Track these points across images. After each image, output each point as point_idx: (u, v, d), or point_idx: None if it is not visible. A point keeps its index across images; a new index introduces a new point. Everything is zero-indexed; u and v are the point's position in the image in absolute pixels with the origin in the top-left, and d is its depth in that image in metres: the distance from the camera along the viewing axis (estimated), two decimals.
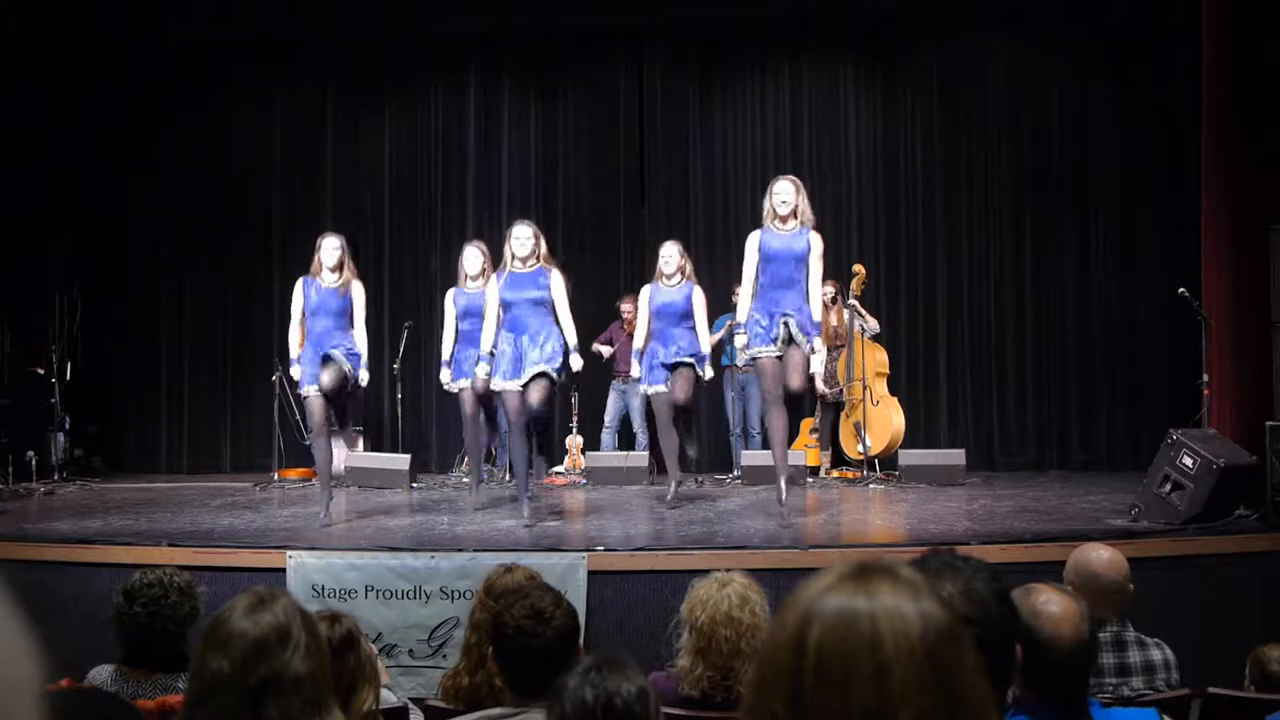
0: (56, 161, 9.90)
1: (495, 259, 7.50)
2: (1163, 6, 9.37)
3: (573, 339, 6.60)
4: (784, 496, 6.42)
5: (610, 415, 9.55)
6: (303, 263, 10.57)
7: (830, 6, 10.51)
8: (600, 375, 9.63)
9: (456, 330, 7.71)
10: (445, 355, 7.70)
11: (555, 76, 10.80)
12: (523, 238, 6.71)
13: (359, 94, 10.92)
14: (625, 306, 9.50)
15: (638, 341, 7.39)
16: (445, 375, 7.69)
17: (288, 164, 10.93)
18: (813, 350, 6.24)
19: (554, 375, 6.45)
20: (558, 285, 6.63)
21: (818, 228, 6.48)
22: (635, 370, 7.54)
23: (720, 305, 9.60)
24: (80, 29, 9.83)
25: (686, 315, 7.28)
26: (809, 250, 6.29)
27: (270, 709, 1.86)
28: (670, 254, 7.39)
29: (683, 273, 7.38)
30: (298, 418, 9.44)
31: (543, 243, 6.81)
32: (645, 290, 7.43)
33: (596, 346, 9.40)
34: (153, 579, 3.13)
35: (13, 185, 9.29)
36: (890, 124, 10.41)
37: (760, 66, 10.63)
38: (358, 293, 6.99)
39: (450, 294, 7.80)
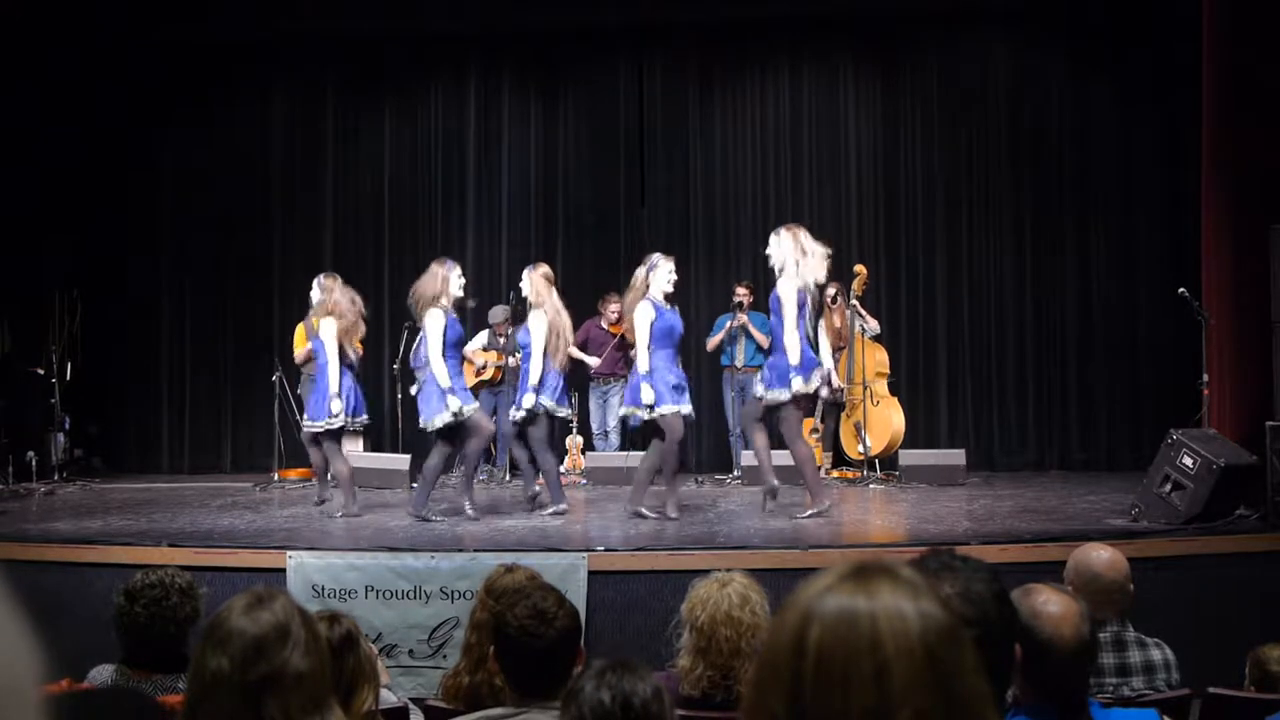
0: (56, 161, 9.90)
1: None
2: (1163, 6, 9.37)
3: (532, 379, 7.00)
4: (809, 512, 6.73)
5: (597, 423, 9.51)
6: (302, 263, 10.65)
7: (830, 6, 10.50)
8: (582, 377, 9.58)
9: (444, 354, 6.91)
10: (446, 382, 6.86)
11: (555, 76, 10.80)
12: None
13: (359, 94, 10.92)
14: (612, 307, 9.39)
15: (641, 365, 6.75)
16: (455, 403, 6.83)
17: (288, 164, 10.93)
18: (800, 395, 6.61)
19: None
20: (534, 328, 7.04)
21: (822, 235, 6.80)
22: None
23: (720, 306, 9.61)
24: (80, 29, 9.83)
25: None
26: (775, 302, 6.70)
27: (270, 707, 1.86)
28: (673, 272, 6.91)
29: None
30: (298, 418, 9.45)
31: (527, 283, 7.24)
32: (646, 308, 6.77)
33: (576, 354, 9.06)
34: (154, 579, 3.13)
35: (13, 185, 9.28)
36: (890, 124, 10.41)
37: (760, 67, 10.63)
38: (322, 330, 7.20)
39: (445, 318, 6.88)
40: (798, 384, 6.56)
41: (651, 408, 6.67)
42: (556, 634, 2.54)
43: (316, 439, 7.28)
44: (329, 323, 7.14)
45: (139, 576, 3.17)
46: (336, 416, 7.11)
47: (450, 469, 7.63)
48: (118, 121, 10.53)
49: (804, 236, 6.72)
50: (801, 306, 6.66)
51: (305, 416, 7.47)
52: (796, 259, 6.63)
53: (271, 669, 1.87)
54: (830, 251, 6.81)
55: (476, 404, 7.16)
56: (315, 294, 7.47)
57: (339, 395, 7.08)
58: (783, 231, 6.81)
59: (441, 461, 7.09)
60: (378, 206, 10.91)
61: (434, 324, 6.80)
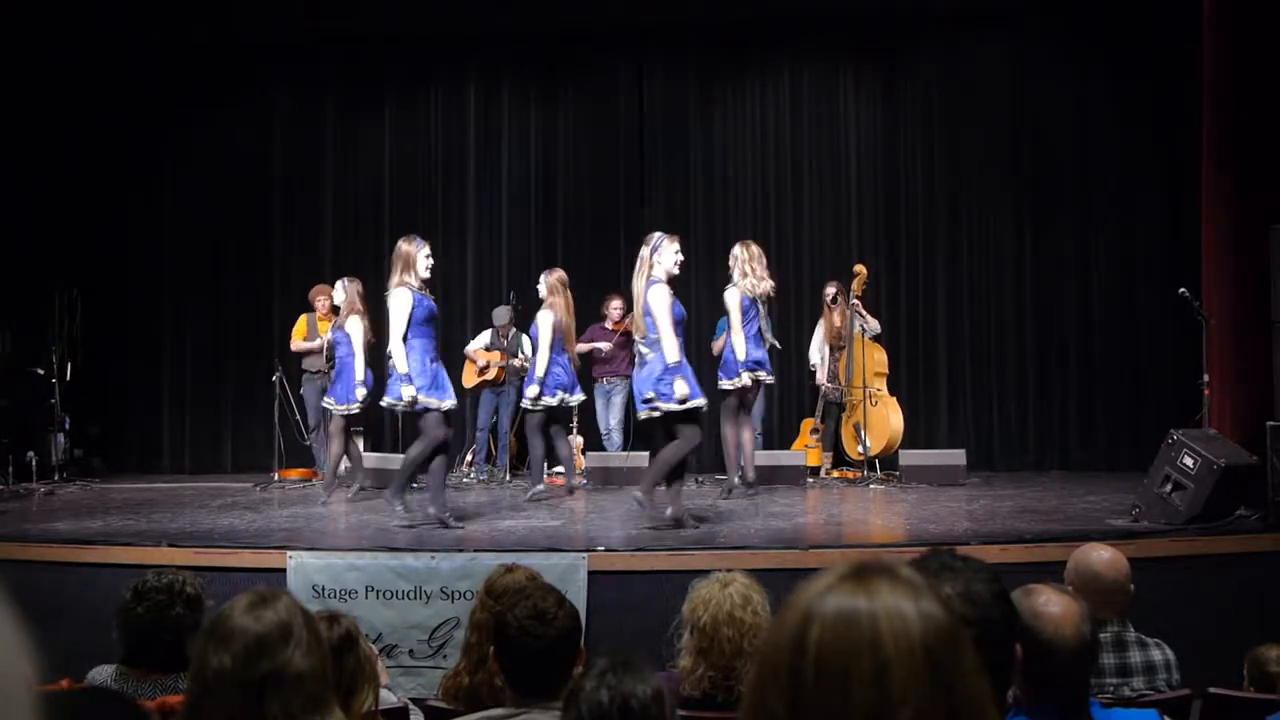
0: (57, 161, 9.90)
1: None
2: (1163, 6, 9.37)
3: (537, 372, 7.92)
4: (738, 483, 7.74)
5: (602, 423, 9.49)
6: (302, 263, 10.65)
7: (830, 7, 10.50)
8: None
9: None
10: (402, 368, 6.46)
11: (555, 77, 10.80)
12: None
13: (359, 94, 10.92)
14: (614, 304, 9.41)
15: (670, 354, 6.15)
16: (409, 391, 6.45)
17: (288, 164, 10.93)
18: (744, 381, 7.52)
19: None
20: (541, 324, 7.91)
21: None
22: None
23: (720, 307, 9.58)
24: (81, 29, 9.83)
25: None
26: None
27: (272, 705, 1.86)
28: (679, 252, 6.51)
29: None
30: (298, 418, 9.45)
31: (541, 287, 8.12)
32: (663, 292, 6.25)
33: (584, 347, 9.23)
34: (163, 584, 3.10)
35: (13, 185, 9.28)
36: (890, 124, 10.41)
37: (760, 66, 10.63)
38: (350, 327, 8.17)
39: (412, 296, 6.45)
40: (747, 378, 7.44)
41: (683, 401, 6.10)
42: (556, 634, 2.54)
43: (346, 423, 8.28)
44: (355, 321, 8.13)
45: (150, 576, 3.14)
46: (358, 404, 8.14)
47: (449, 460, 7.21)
48: (118, 121, 10.53)
49: (758, 255, 7.74)
50: (746, 312, 7.52)
51: (332, 401, 8.32)
52: (745, 271, 7.57)
53: (274, 667, 1.87)
54: (772, 287, 7.80)
55: (449, 403, 6.61)
56: (339, 295, 8.41)
57: (362, 383, 8.10)
58: (738, 249, 7.78)
59: (434, 455, 6.54)
60: (378, 206, 10.91)
61: (397, 303, 6.40)
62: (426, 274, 6.55)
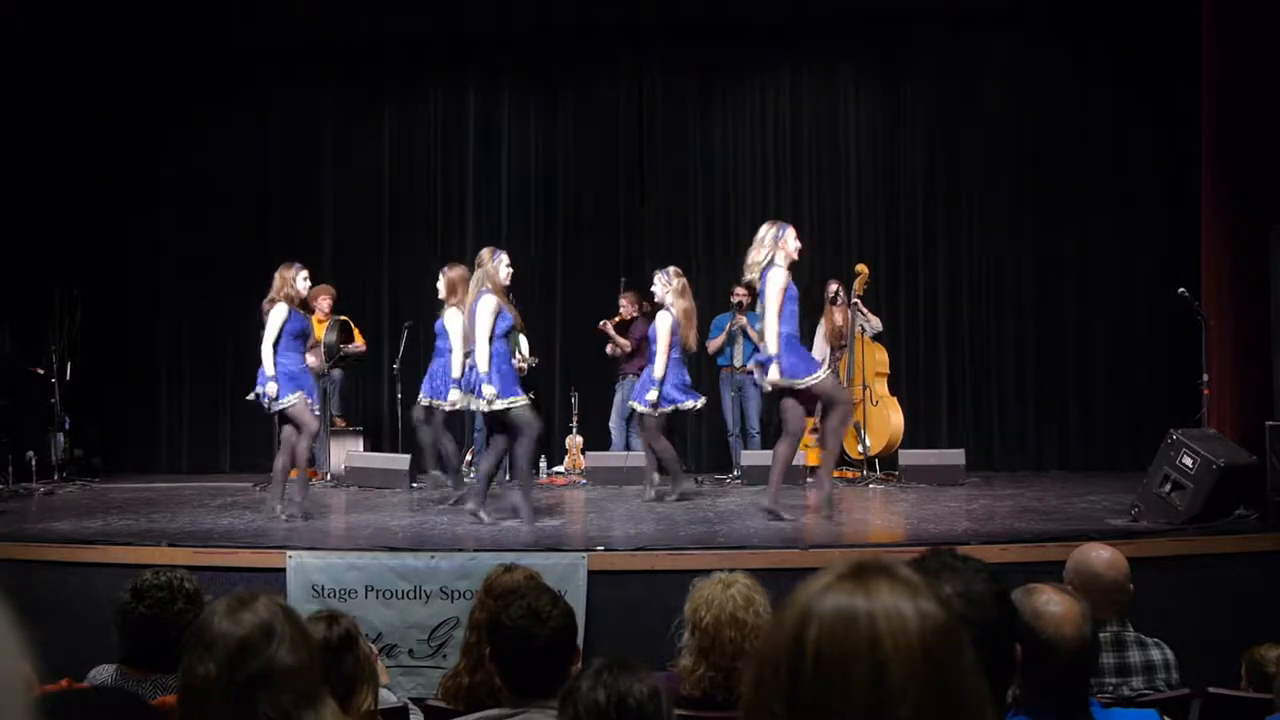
0: (57, 161, 9.89)
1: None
2: (1163, 7, 9.37)
3: (454, 372, 7.04)
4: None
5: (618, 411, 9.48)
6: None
7: (830, 6, 10.50)
8: (600, 374, 9.64)
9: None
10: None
11: (555, 77, 10.80)
12: None
13: (359, 94, 10.91)
14: (624, 304, 9.47)
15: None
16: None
17: (288, 164, 10.93)
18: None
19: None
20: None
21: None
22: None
23: (720, 305, 9.60)
24: (81, 30, 9.82)
25: None
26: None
27: (263, 704, 1.86)
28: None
29: None
30: None
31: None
32: (780, 275, 6.64)
33: (612, 336, 9.46)
34: (162, 581, 3.11)
35: (12, 184, 9.28)
36: (890, 124, 10.41)
37: (760, 66, 10.63)
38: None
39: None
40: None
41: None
42: (551, 633, 2.54)
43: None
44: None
45: (148, 575, 3.16)
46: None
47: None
48: (118, 123, 10.52)
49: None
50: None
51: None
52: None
53: (260, 667, 1.87)
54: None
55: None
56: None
57: (273, 378, 6.99)
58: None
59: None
60: (378, 207, 10.91)
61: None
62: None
